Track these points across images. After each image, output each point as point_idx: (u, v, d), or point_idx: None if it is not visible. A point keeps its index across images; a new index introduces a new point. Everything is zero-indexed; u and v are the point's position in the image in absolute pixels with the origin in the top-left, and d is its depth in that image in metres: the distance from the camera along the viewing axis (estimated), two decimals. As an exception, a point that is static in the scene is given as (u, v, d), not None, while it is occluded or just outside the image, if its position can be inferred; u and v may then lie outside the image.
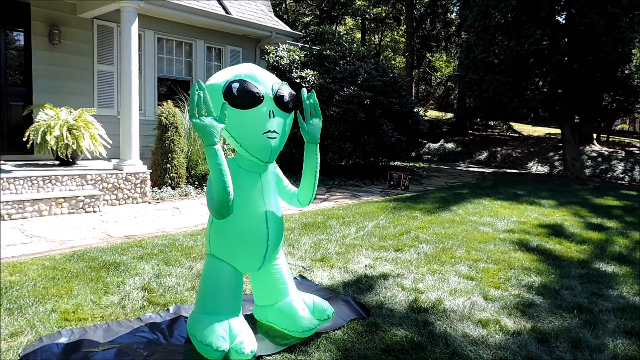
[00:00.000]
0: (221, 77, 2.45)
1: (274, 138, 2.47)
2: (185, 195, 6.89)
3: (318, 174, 2.72)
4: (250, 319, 2.84)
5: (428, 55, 23.30)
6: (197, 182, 7.25)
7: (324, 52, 9.32)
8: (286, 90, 2.53)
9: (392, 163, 11.49)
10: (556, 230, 5.81)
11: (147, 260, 3.83)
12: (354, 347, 2.62)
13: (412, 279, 3.79)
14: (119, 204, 6.14)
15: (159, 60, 8.33)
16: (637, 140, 22.09)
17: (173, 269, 3.67)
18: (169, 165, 6.88)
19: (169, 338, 2.60)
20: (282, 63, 9.04)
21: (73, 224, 4.99)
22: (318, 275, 3.77)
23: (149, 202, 6.38)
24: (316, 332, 2.70)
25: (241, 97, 2.36)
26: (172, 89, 8.55)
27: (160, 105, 7.08)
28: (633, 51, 11.26)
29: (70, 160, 6.39)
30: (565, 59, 11.06)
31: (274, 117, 2.46)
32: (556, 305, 3.40)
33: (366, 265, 4.07)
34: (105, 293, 3.14)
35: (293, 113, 2.64)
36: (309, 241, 4.69)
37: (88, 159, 6.92)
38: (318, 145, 2.68)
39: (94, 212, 5.60)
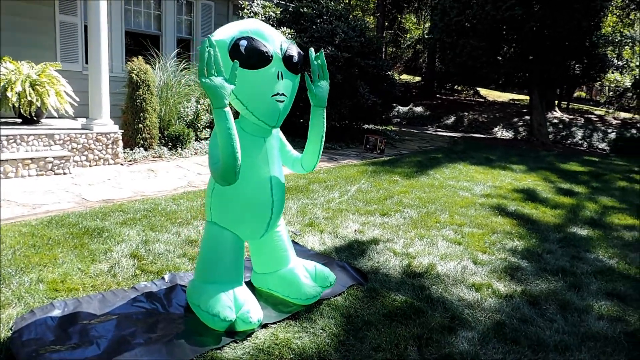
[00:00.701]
0: (225, 33, 2.27)
1: (282, 101, 2.34)
2: (159, 156, 6.63)
3: (324, 139, 2.63)
4: (249, 285, 2.79)
5: (398, 16, 22.99)
6: (170, 143, 6.98)
7: (301, 10, 8.98)
8: (295, 50, 2.38)
9: (365, 126, 11.45)
10: (530, 195, 5.99)
11: (131, 226, 3.67)
12: (357, 313, 2.63)
13: (403, 244, 3.82)
14: (90, 166, 5.84)
15: (126, 13, 7.79)
16: (594, 108, 22.91)
17: (160, 235, 3.54)
18: (141, 125, 6.56)
19: (167, 307, 2.52)
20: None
21: (44, 187, 4.71)
22: (309, 241, 3.74)
23: (122, 164, 6.10)
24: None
25: (249, 56, 2.20)
26: (142, 44, 8.05)
27: (130, 62, 6.67)
28: (603, 19, 11.46)
29: (35, 118, 5.97)
30: (538, 24, 11.13)
31: (282, 78, 2.32)
32: (541, 269, 3.52)
33: (355, 231, 4.06)
34: (93, 261, 2.99)
35: (299, 75, 2.51)
36: (294, 206, 4.63)
37: (53, 117, 6.49)
38: (325, 108, 2.57)
39: (64, 174, 5.30)
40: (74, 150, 5.66)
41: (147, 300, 2.54)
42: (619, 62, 17.47)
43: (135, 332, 2.21)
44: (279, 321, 2.47)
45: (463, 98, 22.16)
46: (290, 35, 8.39)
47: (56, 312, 2.30)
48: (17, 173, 4.95)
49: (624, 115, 19.85)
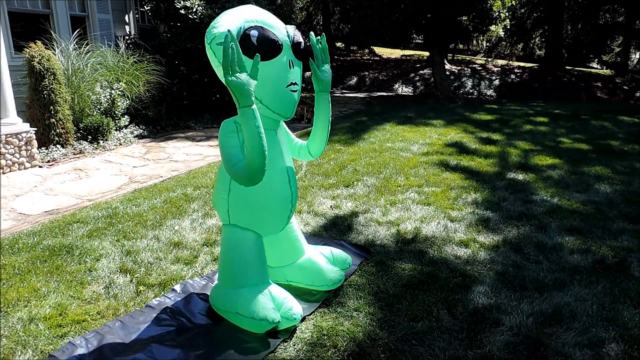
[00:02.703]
0: (230, 24, 2.07)
1: (296, 91, 2.23)
2: (80, 152, 5.96)
3: (330, 124, 2.57)
4: (265, 281, 2.71)
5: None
6: (90, 136, 6.29)
7: (207, -23, 8.39)
8: (301, 36, 2.26)
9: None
10: (461, 148, 6.46)
11: (100, 238, 3.31)
12: (379, 288, 2.70)
13: (380, 213, 3.94)
14: (3, 172, 5.07)
15: (5, -11, 6.65)
16: (475, 58, 24.92)
17: (138, 243, 3.25)
18: (53, 120, 5.81)
19: (192, 320, 2.37)
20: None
21: (-39, 207, 4.02)
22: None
23: (40, 166, 5.39)
24: (337, 281, 2.70)
25: (262, 46, 2.05)
26: (29, 25, 6.98)
27: (27, 48, 5.79)
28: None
29: None
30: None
31: (293, 67, 2.21)
32: (506, 217, 3.88)
33: (331, 206, 4.09)
34: (82, 285, 2.68)
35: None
36: (259, 189, 4.50)
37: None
38: (329, 93, 2.50)
39: (-23, 187, 4.56)
40: (-18, 158, 4.87)
41: (170, 317, 2.36)
42: (492, 14, 19.13)
43: (182, 355, 2.06)
44: (313, 311, 2.46)
45: (359, 58, 22.73)
46: (200, 7, 7.86)
47: (81, 351, 2.04)
48: None
49: (500, 62, 21.86)
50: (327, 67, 2.44)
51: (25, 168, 5.27)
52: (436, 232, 3.53)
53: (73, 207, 4.01)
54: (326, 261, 2.69)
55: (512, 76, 18.14)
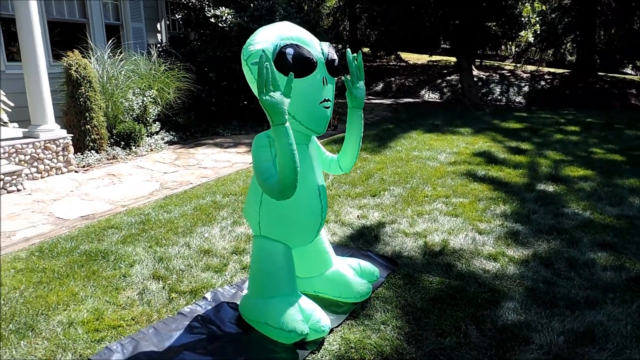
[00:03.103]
0: (267, 41, 2.12)
1: (329, 107, 2.27)
2: (114, 158, 6.15)
3: (361, 139, 2.60)
4: (293, 291, 2.75)
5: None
6: (122, 142, 6.48)
7: (236, -13, 8.56)
8: (335, 53, 2.30)
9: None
10: (489, 157, 6.39)
11: (133, 244, 3.42)
12: (406, 302, 2.70)
13: (407, 224, 3.94)
14: (42, 177, 5.28)
15: (47, 1, 6.93)
16: (503, 63, 24.55)
17: (170, 249, 3.34)
18: (88, 127, 6.02)
19: (223, 328, 2.43)
20: (192, 0, 8.14)
21: (4, 210, 4.20)
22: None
23: (76, 171, 5.59)
24: (364, 293, 2.71)
25: (297, 64, 2.10)
26: (66, 34, 7.26)
27: (65, 57, 6.02)
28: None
29: (-35, 131, 5.24)
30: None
31: (326, 84, 2.25)
32: (536, 230, 3.82)
33: (358, 216, 4.11)
34: (117, 290, 2.77)
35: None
36: (287, 197, 4.56)
37: (-19, 127, 5.73)
38: (362, 109, 2.53)
39: (18, 190, 4.76)
40: (22, 162, 5.08)
41: (201, 325, 2.42)
42: (522, 19, 18.84)
43: (213, 363, 2.12)
44: (340, 323, 2.48)
45: (386, 63, 22.68)
46: (230, 16, 8.02)
47: (117, 356, 2.12)
48: (-35, 198, 4.37)
49: (530, 68, 21.47)
50: (361, 84, 2.48)
51: (62, 173, 5.47)
52: (464, 245, 3.51)
53: (107, 213, 4.14)
54: (354, 273, 2.71)
55: (542, 82, 17.78)
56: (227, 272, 3.05)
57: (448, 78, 18.62)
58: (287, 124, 1.98)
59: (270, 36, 2.16)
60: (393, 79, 19.07)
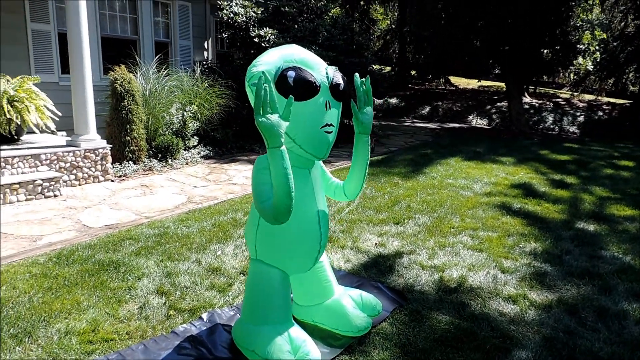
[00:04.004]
0: (269, 64, 2.11)
1: (331, 132, 2.21)
2: (150, 169, 6.35)
3: (367, 166, 2.52)
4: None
5: (367, 7, 22.91)
6: (159, 155, 6.70)
7: (282, 9, 8.76)
8: (341, 78, 2.25)
9: (346, 122, 11.35)
10: (528, 190, 6.06)
11: (146, 257, 3.47)
12: (408, 340, 2.56)
13: (426, 255, 3.77)
14: (80, 184, 5.52)
15: (101, 18, 7.38)
16: (559, 91, 23.60)
17: (180, 265, 3.36)
18: (128, 138, 6.26)
19: (213, 352, 2.38)
20: (238, 20, 8.39)
21: (37, 214, 4.42)
22: (333, 259, 3.64)
23: (112, 180, 5.81)
24: (365, 327, 2.59)
25: (298, 87, 2.06)
26: (118, 49, 7.67)
27: (112, 71, 6.33)
28: (575, 8, 11.73)
29: (15, 137, 5.59)
30: (511, 18, 11.28)
31: (330, 108, 2.20)
32: (566, 272, 3.54)
33: (376, 244, 3.99)
34: (119, 302, 2.80)
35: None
36: (307, 219, 4.51)
37: (32, 133, 6.10)
38: (369, 135, 2.45)
39: (55, 196, 4.99)
40: (62, 169, 5.34)
41: (191, 346, 2.38)
42: (580, 47, 18.06)
43: (193, 388, 2.07)
44: (333, 358, 2.37)
45: (435, 87, 22.39)
46: (273, 36, 8.19)
47: (102, 372, 2.12)
48: (6, 199, 4.62)
49: (588, 97, 20.50)
50: (369, 109, 2.41)
51: (99, 181, 5.70)
52: (483, 283, 3.31)
53: (131, 223, 4.25)
54: (354, 306, 2.60)
55: (600, 113, 16.90)
56: (231, 292, 3.02)
57: (498, 104, 18.08)
58: (283, 147, 1.94)
59: (274, 58, 2.14)
60: (440, 102, 18.74)
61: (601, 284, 3.36)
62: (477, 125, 15.82)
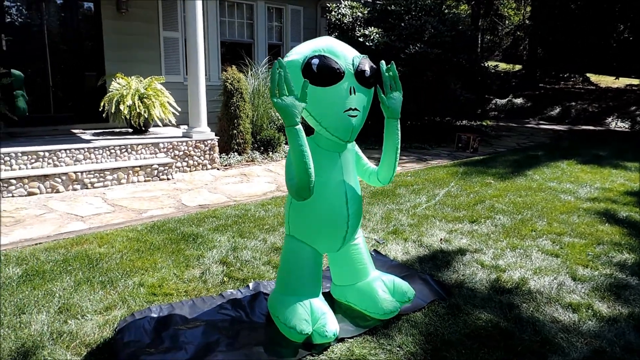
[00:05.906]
0: (299, 53, 2.32)
1: (355, 116, 2.34)
2: (252, 160, 6.96)
3: (399, 151, 2.58)
4: (329, 297, 2.82)
5: (495, 1, 21.64)
6: (262, 147, 7.30)
7: (389, 8, 8.85)
8: (367, 65, 2.37)
9: (457, 122, 10.97)
10: (647, 199, 5.33)
11: (222, 232, 3.91)
12: (436, 331, 2.55)
13: (492, 255, 3.62)
14: (190, 171, 6.31)
15: (221, 24, 8.27)
16: None
17: (248, 242, 3.73)
18: (235, 132, 6.94)
19: (251, 316, 2.65)
20: (345, 21, 8.70)
21: (149, 192, 5.19)
22: (392, 250, 3.70)
23: (218, 169, 6.51)
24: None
25: (321, 73, 2.23)
26: (235, 52, 8.51)
27: (225, 71, 7.08)
28: None
29: (143, 128, 6.60)
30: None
31: (354, 93, 2.32)
32: (655, 288, 3.12)
33: (441, 239, 3.93)
34: (187, 267, 3.24)
35: (373, 88, 2.48)
36: (379, 211, 4.60)
37: (158, 126, 7.12)
38: (399, 120, 2.52)
39: (167, 179, 5.79)
40: (176, 157, 6.16)
41: (232, 307, 2.69)
42: None
43: (219, 340, 2.36)
44: (355, 336, 2.48)
45: (570, 86, 20.27)
46: (377, 35, 8.32)
47: (152, 315, 2.53)
48: (129, 179, 5.51)
49: None
50: (396, 94, 2.48)
51: (206, 169, 6.44)
52: (546, 288, 3.09)
53: (220, 205, 4.78)
54: (384, 290, 2.66)
55: None
56: (284, 269, 3.27)
57: (648, 106, 15.74)
58: (299, 126, 2.13)
59: (305, 49, 2.35)
60: (574, 103, 16.94)
61: (695, 305, 2.90)
62: (615, 129, 14.01)
